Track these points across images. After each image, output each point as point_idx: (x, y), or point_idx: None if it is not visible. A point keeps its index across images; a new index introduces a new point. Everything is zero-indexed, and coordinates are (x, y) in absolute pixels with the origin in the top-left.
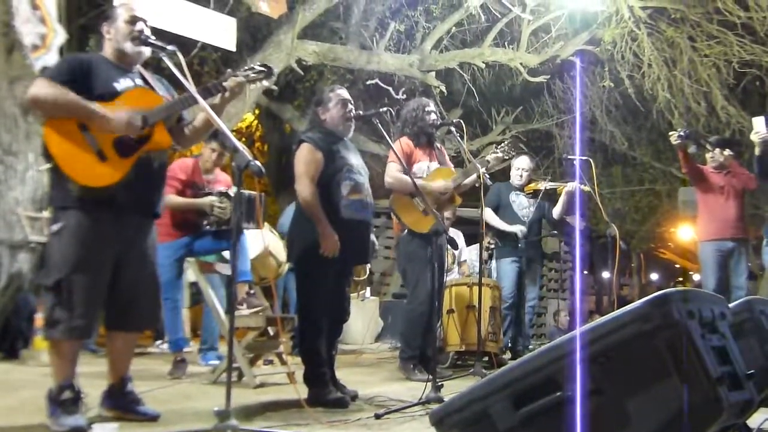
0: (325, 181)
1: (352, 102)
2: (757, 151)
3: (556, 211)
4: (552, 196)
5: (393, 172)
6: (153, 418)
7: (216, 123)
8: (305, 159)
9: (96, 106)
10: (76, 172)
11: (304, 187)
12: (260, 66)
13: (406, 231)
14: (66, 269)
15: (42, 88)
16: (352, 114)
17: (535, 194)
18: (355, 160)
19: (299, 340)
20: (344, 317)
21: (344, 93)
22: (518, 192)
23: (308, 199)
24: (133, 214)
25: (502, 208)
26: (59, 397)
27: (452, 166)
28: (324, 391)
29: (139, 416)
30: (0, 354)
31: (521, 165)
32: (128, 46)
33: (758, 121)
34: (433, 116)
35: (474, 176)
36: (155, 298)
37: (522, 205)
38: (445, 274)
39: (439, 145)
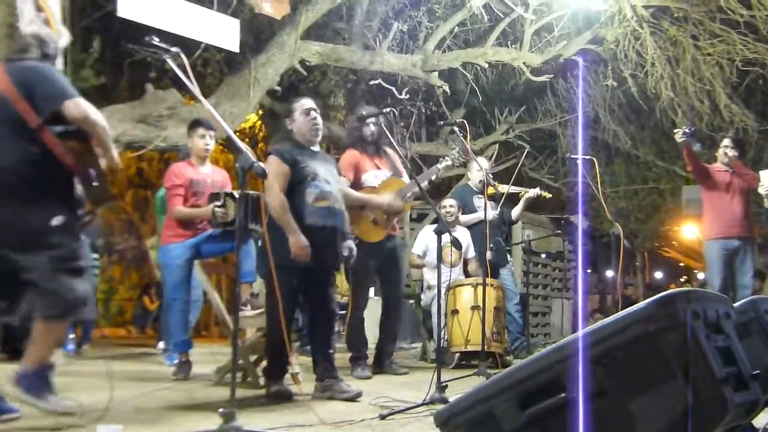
0: (291, 190)
1: (317, 110)
2: (766, 203)
3: (515, 213)
4: (513, 199)
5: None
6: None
7: (221, 125)
8: (273, 171)
9: None
10: None
11: (273, 198)
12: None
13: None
14: None
15: None
16: (317, 121)
17: (495, 197)
18: (322, 169)
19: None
20: (331, 317)
21: (308, 102)
22: (480, 196)
23: (277, 208)
24: None
25: (466, 212)
26: (47, 376)
27: (404, 171)
28: (269, 383)
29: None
30: (3, 355)
31: (480, 167)
32: None
33: (766, 175)
34: (372, 127)
35: (424, 183)
36: None
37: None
38: (450, 270)
39: (389, 151)
